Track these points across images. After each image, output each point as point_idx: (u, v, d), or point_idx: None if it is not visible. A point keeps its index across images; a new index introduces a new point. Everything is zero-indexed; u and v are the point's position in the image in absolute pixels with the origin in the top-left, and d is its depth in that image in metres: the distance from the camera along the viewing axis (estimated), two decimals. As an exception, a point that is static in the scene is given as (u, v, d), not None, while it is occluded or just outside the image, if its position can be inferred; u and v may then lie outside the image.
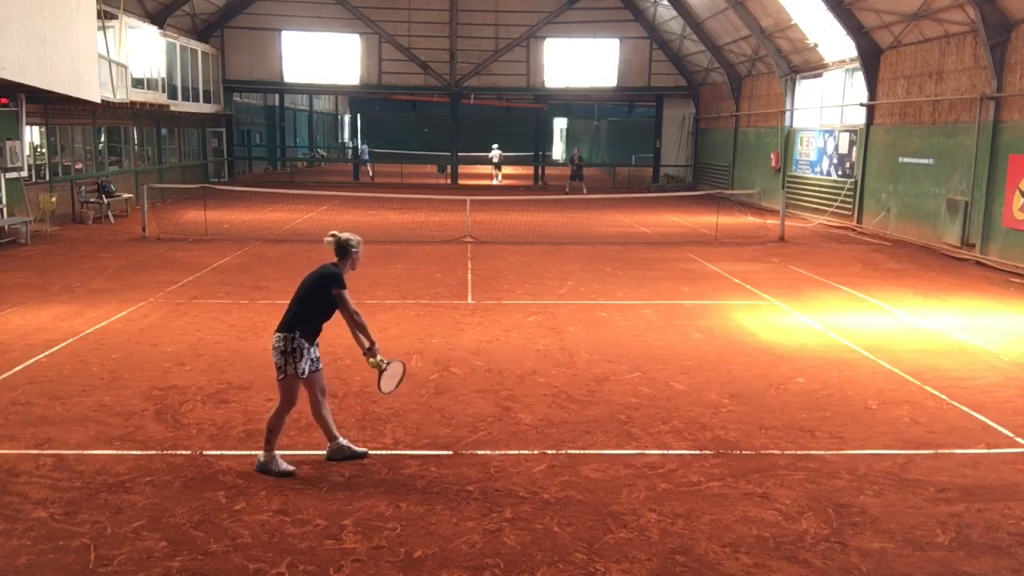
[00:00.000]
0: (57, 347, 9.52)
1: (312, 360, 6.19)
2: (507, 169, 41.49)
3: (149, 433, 6.96)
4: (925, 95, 19.60)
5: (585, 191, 32.12)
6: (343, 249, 6.31)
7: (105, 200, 22.25)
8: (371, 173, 40.98)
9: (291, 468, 6.21)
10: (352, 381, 8.42)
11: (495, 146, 41.44)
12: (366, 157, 41.76)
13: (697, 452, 6.75)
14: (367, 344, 6.28)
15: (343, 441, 6.47)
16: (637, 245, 18.93)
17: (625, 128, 53.19)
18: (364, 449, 6.55)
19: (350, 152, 55.15)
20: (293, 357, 6.10)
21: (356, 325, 6.24)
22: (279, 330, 6.20)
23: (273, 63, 35.99)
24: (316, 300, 6.20)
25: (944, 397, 8.24)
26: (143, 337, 10.06)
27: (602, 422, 7.38)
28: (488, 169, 41.89)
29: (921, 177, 19.69)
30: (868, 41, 21.58)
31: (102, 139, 25.29)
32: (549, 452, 6.69)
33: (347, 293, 6.20)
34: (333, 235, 6.37)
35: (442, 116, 43.31)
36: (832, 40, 23.41)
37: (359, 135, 54.39)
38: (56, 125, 21.82)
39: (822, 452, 6.80)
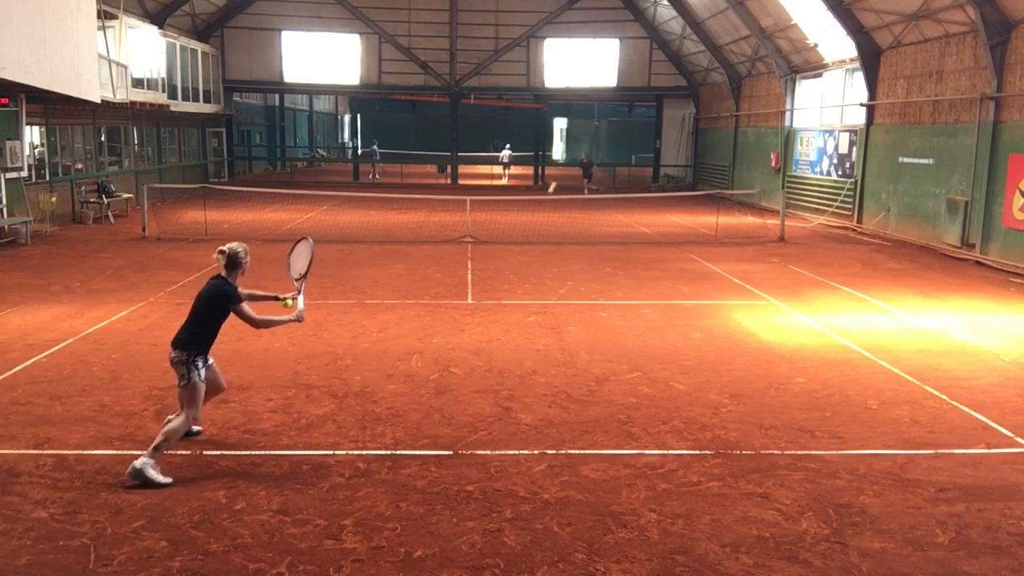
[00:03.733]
0: (57, 347, 9.52)
1: (206, 365, 6.43)
2: (511, 169, 41.61)
3: (149, 433, 6.94)
4: (925, 95, 19.60)
5: (586, 192, 32.15)
6: (233, 262, 6.46)
7: (105, 200, 22.25)
8: (374, 174, 41.04)
9: (169, 480, 5.97)
10: (352, 381, 8.42)
11: (507, 146, 41.59)
12: (376, 157, 41.70)
13: (697, 452, 6.75)
14: (278, 297, 6.95)
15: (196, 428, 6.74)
16: (637, 245, 18.93)
17: (625, 128, 53.22)
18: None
19: (350, 152, 55.16)
20: (194, 367, 6.25)
21: (264, 325, 6.64)
22: (177, 346, 6.28)
23: (273, 63, 35.99)
24: (215, 318, 6.42)
25: (944, 397, 8.24)
26: (143, 337, 10.06)
27: (602, 422, 7.38)
28: (489, 169, 41.94)
29: (921, 177, 19.69)
30: (868, 41, 21.58)
31: (102, 139, 25.30)
32: (549, 452, 6.69)
33: (244, 306, 6.45)
34: (220, 251, 6.46)
35: (442, 116, 43.30)
36: (832, 40, 23.41)
37: (359, 135, 54.36)
38: (56, 125, 21.82)
39: (822, 452, 6.80)
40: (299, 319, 6.78)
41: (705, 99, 36.09)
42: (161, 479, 5.94)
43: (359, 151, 49.99)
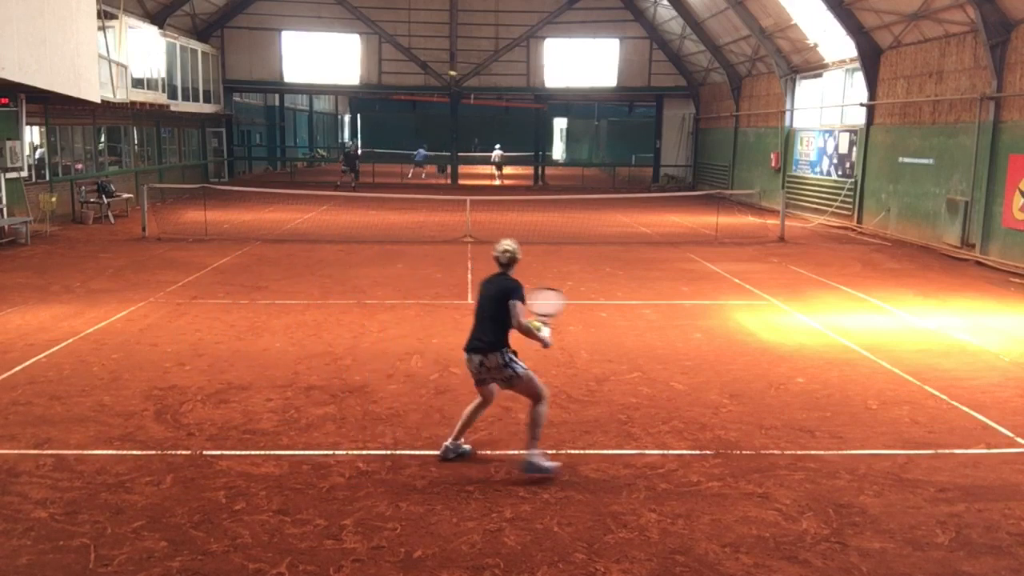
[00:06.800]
0: (57, 347, 9.52)
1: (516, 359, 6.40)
2: (508, 169, 41.49)
3: (149, 433, 6.96)
4: (925, 95, 19.60)
5: (350, 185, 32.52)
6: (514, 260, 6.55)
7: (105, 200, 22.25)
8: (424, 174, 41.10)
9: (556, 464, 6.34)
10: (352, 381, 8.43)
11: (497, 146, 41.38)
12: (420, 159, 41.62)
13: (697, 452, 6.75)
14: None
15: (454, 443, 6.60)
16: (637, 245, 18.93)
17: (625, 128, 53.22)
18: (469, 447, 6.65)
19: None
20: (513, 362, 6.31)
21: (524, 330, 6.28)
22: (489, 350, 6.27)
23: (273, 63, 36.00)
24: (506, 312, 6.31)
25: (944, 397, 8.24)
26: (143, 337, 10.06)
27: (602, 422, 7.38)
28: (487, 169, 41.83)
29: (921, 177, 19.69)
30: (868, 41, 21.58)
31: (102, 139, 25.29)
32: (549, 452, 6.68)
33: (522, 304, 6.29)
34: (505, 251, 6.52)
35: (442, 116, 43.26)
36: (832, 40, 23.41)
37: (359, 135, 54.35)
38: (56, 125, 21.82)
39: (822, 452, 6.80)
40: (546, 344, 6.42)
41: (705, 99, 36.09)
42: (547, 464, 6.25)
43: (359, 151, 50.01)
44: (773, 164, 28.17)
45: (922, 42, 19.72)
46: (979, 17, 16.61)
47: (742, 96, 31.60)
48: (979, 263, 16.73)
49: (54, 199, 20.23)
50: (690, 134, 37.86)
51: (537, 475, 6.16)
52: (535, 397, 6.32)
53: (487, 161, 42.69)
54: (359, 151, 33.46)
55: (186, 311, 11.50)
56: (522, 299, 6.30)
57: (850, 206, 23.02)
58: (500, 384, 6.41)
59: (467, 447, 6.63)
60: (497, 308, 6.29)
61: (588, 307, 12.18)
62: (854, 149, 23.11)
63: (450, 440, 6.56)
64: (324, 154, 55.02)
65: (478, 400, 6.56)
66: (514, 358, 6.32)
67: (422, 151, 42.12)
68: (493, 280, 6.49)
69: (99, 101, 19.12)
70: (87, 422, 7.17)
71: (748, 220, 24.05)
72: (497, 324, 6.29)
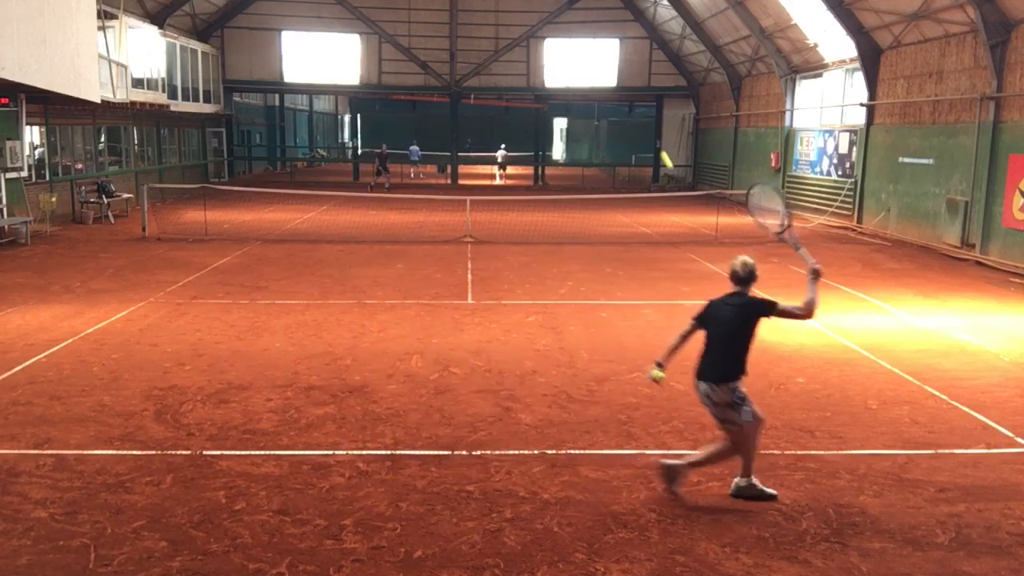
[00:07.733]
0: (57, 347, 9.52)
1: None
2: (509, 169, 41.57)
3: (149, 433, 6.96)
4: (925, 95, 19.60)
5: (387, 186, 32.93)
6: (752, 277, 5.90)
7: (105, 200, 22.25)
8: (419, 174, 41.22)
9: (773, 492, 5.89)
10: (352, 381, 8.43)
11: (502, 146, 41.55)
12: (415, 158, 41.76)
13: (697, 452, 6.75)
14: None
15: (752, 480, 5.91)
16: (637, 245, 18.93)
17: (625, 128, 53.19)
18: (773, 491, 5.92)
19: (350, 152, 55.17)
20: (740, 404, 5.75)
21: (812, 306, 5.71)
22: (720, 380, 5.77)
23: (273, 63, 36.00)
24: (751, 338, 5.80)
25: (944, 397, 8.24)
26: (143, 337, 10.06)
27: (602, 422, 7.38)
28: (490, 169, 41.96)
29: (921, 177, 19.69)
30: (868, 41, 21.58)
31: (102, 139, 25.30)
32: (549, 452, 6.69)
33: (781, 302, 5.83)
34: (745, 266, 5.88)
35: (442, 116, 43.28)
36: (832, 40, 23.41)
37: (359, 135, 54.32)
38: (56, 125, 21.82)
39: (822, 452, 6.80)
40: (816, 271, 5.76)
41: (705, 99, 36.08)
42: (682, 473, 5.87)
43: (359, 151, 50.03)
44: (773, 164, 28.16)
45: (922, 42, 19.71)
46: (979, 17, 16.61)
47: (742, 96, 31.59)
48: (979, 263, 16.73)
49: (54, 199, 20.23)
50: (690, 134, 37.86)
51: (662, 480, 5.93)
52: (736, 445, 5.78)
53: (483, 161, 42.94)
54: (386, 152, 34.38)
55: (186, 311, 11.50)
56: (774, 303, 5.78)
57: (850, 206, 23.02)
58: (716, 421, 5.87)
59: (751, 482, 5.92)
60: (739, 331, 5.78)
61: (588, 307, 12.18)
62: (854, 149, 23.11)
63: (739, 477, 5.93)
64: (324, 154, 55.00)
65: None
66: (744, 400, 5.73)
67: (415, 148, 42.26)
68: (730, 301, 5.89)
69: (99, 101, 19.13)
70: (87, 422, 7.17)
71: (748, 220, 24.01)
72: (734, 351, 5.78)
